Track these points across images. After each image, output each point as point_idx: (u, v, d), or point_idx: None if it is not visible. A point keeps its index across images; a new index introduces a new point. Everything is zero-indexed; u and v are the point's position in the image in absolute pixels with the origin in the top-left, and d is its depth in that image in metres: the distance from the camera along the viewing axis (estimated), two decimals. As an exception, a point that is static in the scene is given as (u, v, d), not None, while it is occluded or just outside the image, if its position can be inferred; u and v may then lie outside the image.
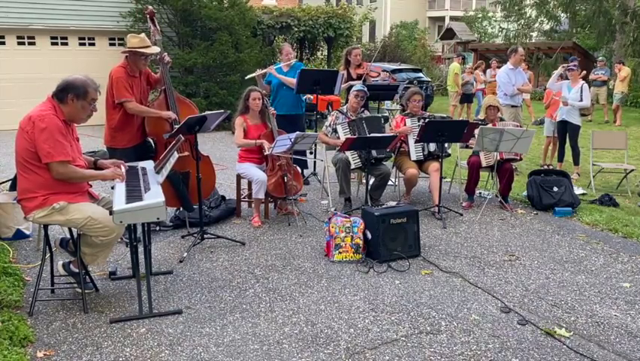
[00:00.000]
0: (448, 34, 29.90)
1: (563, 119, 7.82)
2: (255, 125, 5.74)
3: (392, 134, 5.92)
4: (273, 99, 6.81)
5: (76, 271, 3.77)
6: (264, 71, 6.95)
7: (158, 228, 5.30)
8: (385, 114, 11.85)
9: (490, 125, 6.13)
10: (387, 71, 16.32)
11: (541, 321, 3.64)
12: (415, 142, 6.08)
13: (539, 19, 21.41)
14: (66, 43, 12.66)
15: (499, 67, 11.76)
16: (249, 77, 7.12)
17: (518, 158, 6.42)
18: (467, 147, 6.43)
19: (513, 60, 7.88)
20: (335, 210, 5.76)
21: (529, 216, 6.07)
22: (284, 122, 6.27)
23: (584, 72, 8.20)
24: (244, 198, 6.05)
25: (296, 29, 15.07)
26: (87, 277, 3.96)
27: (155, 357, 3.16)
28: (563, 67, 8.15)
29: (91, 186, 3.91)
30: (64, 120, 3.58)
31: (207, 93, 12.56)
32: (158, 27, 5.20)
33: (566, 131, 7.85)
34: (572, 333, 3.49)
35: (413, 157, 6.12)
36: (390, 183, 6.34)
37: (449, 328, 3.54)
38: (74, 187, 3.64)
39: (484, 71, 14.76)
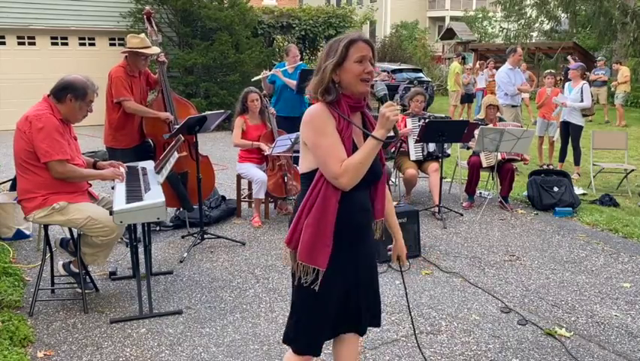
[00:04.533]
0: (449, 34, 29.86)
1: (565, 120, 7.85)
2: (254, 125, 5.74)
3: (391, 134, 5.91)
4: (276, 100, 6.80)
5: (77, 271, 3.77)
6: (270, 73, 6.94)
7: (158, 228, 5.30)
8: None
9: (490, 126, 6.13)
10: (387, 71, 16.33)
11: (541, 321, 3.64)
12: (415, 142, 6.08)
13: (539, 19, 21.41)
14: (66, 44, 12.66)
15: (496, 67, 11.73)
16: (255, 79, 7.11)
17: (519, 158, 6.40)
18: (468, 148, 6.42)
19: (512, 60, 7.94)
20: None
21: (530, 216, 6.07)
22: (286, 123, 6.26)
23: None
24: (244, 198, 6.05)
25: (297, 28, 15.09)
26: (87, 277, 3.96)
27: (155, 357, 3.16)
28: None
29: (91, 185, 3.91)
30: (61, 119, 3.58)
31: (207, 93, 12.56)
32: (155, 28, 5.19)
33: (569, 132, 7.87)
34: (572, 333, 3.49)
35: (412, 157, 6.12)
36: (390, 183, 6.34)
37: (449, 328, 3.54)
38: (74, 187, 3.64)
39: (481, 71, 14.70)
